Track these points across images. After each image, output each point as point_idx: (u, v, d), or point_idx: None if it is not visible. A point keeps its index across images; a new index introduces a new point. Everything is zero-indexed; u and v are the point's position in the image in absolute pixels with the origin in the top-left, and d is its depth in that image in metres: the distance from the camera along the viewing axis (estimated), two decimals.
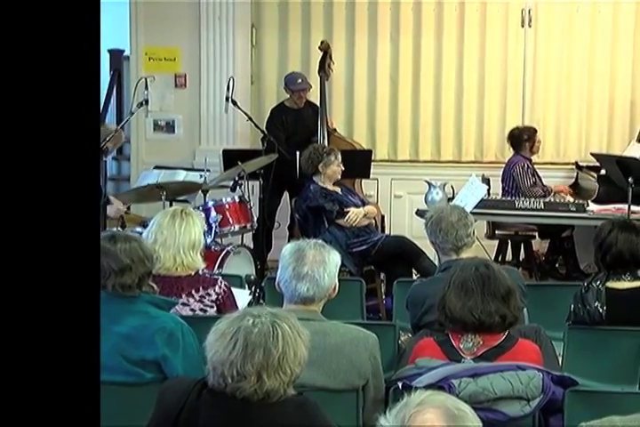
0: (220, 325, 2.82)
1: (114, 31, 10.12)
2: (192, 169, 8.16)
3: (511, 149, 8.39)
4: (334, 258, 3.80)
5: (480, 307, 3.67)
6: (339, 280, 3.84)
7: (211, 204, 6.96)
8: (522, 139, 8.29)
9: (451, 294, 3.73)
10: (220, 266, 6.45)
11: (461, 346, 3.70)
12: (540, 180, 8.20)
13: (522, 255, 8.53)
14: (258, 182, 7.49)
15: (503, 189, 8.25)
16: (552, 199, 7.66)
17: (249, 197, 7.34)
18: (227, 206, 7.05)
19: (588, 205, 7.39)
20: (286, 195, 8.31)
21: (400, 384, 3.53)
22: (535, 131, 8.38)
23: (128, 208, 7.70)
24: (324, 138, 8.35)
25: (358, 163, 8.10)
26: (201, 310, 4.60)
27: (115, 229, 6.43)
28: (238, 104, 7.95)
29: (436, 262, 5.48)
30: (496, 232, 8.37)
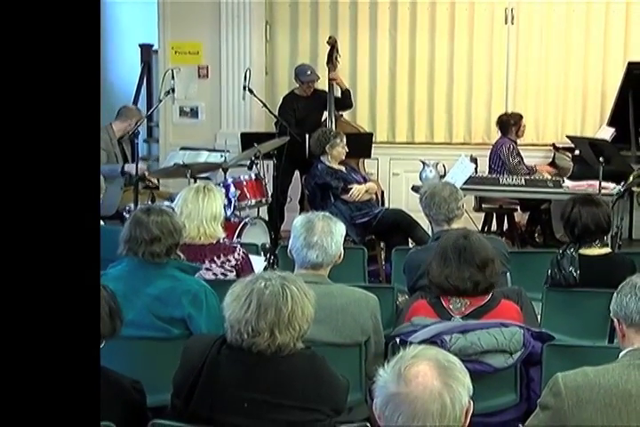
0: (236, 287, 2.81)
1: (144, 28, 10.14)
2: (213, 150, 8.14)
3: (499, 132, 8.35)
4: (340, 229, 3.80)
5: (455, 274, 3.65)
6: (344, 248, 3.84)
7: (230, 180, 6.93)
8: (509, 123, 8.24)
9: (433, 263, 3.73)
10: (239, 235, 6.43)
11: (451, 306, 3.70)
12: (522, 160, 8.16)
13: (505, 226, 8.51)
14: (272, 162, 7.46)
15: (490, 167, 8.21)
16: (533, 177, 7.64)
17: (264, 174, 7.32)
18: (244, 183, 7.02)
19: (563, 181, 7.37)
20: (297, 173, 8.28)
21: (398, 340, 3.52)
22: (521, 117, 8.35)
23: (158, 181, 7.71)
24: (332, 122, 8.31)
25: (361, 144, 8.06)
26: (222, 274, 4.59)
27: (146, 202, 6.45)
28: (254, 93, 7.94)
29: (430, 232, 5.46)
30: (482, 206, 8.34)
